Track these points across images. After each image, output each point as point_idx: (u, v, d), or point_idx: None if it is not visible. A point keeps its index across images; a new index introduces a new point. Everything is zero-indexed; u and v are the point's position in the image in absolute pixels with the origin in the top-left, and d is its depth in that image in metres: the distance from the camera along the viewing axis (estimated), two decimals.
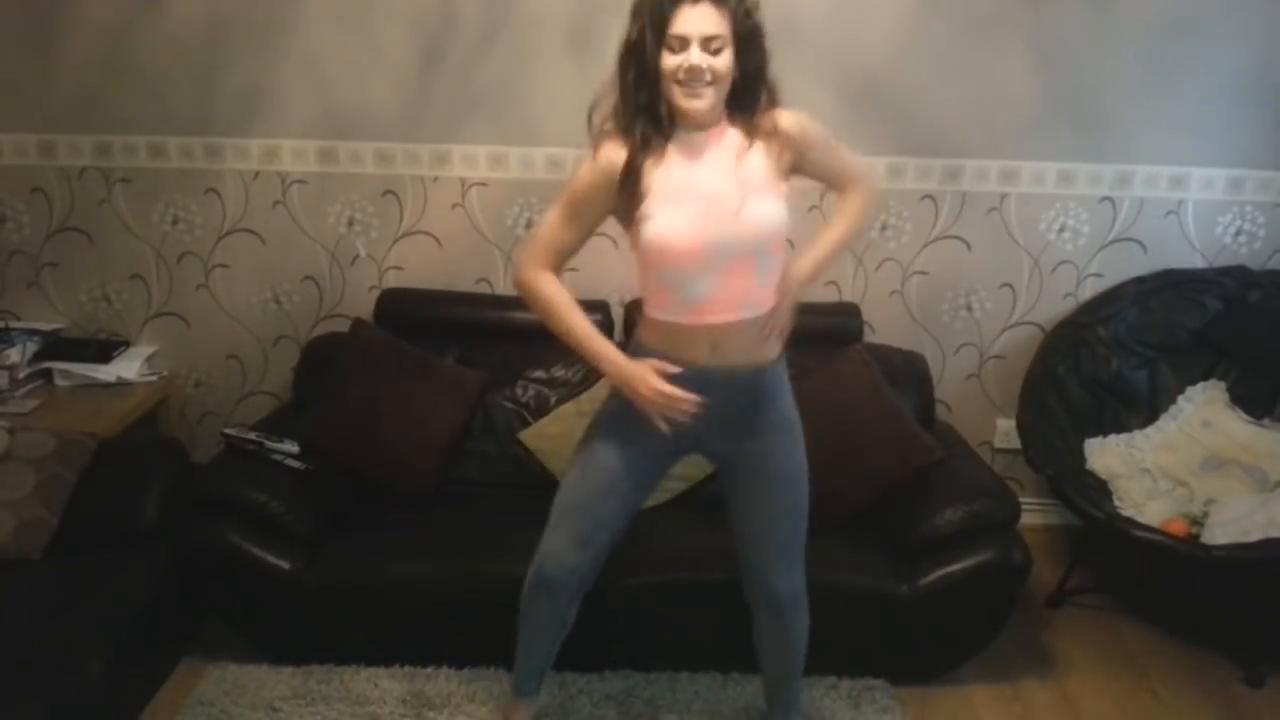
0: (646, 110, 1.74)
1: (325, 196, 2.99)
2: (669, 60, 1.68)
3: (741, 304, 1.81)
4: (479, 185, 2.97)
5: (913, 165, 2.94)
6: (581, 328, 1.88)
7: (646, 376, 1.80)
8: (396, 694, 2.35)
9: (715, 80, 1.69)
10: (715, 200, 1.74)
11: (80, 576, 2.27)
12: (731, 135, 1.79)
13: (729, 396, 1.85)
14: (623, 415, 1.90)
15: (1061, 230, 3.02)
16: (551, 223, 1.87)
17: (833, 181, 1.97)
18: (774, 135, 1.79)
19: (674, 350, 1.83)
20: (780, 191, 1.81)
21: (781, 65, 2.76)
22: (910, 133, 2.91)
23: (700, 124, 1.77)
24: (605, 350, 1.86)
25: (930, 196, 2.98)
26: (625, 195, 1.77)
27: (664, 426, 1.81)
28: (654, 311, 1.86)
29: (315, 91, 2.86)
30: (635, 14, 1.71)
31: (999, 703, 2.46)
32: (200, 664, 2.46)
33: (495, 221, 3.00)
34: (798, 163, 1.84)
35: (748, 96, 1.77)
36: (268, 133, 2.91)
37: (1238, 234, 3.02)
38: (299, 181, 2.97)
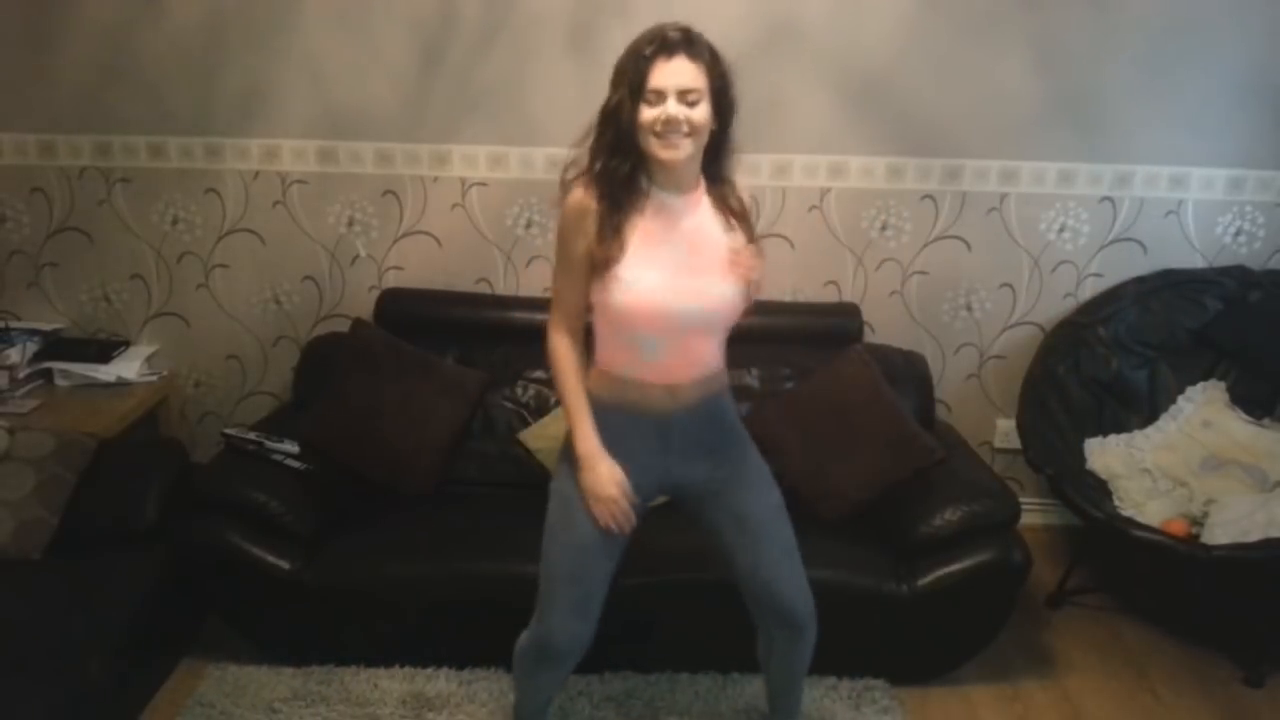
0: (625, 176, 1.74)
1: (325, 196, 2.99)
2: (646, 113, 1.69)
3: (695, 365, 1.85)
4: (479, 185, 2.97)
5: (913, 165, 2.94)
6: (572, 397, 1.87)
7: (615, 477, 1.82)
8: (396, 694, 2.35)
9: (692, 132, 1.70)
10: (683, 274, 1.76)
11: (80, 576, 2.27)
12: (706, 207, 1.82)
13: (692, 427, 1.88)
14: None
15: (1061, 230, 3.02)
16: (557, 285, 1.88)
17: None
18: (738, 214, 1.84)
19: (626, 399, 1.84)
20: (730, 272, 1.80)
21: (782, 65, 2.80)
22: (910, 133, 2.91)
23: (678, 184, 1.78)
24: (585, 429, 1.85)
25: (930, 196, 2.98)
26: (601, 247, 1.75)
27: (601, 521, 1.83)
28: (608, 366, 1.86)
29: (315, 91, 2.86)
30: (615, 81, 1.72)
31: (999, 703, 2.46)
32: (200, 664, 2.46)
33: (495, 221, 3.00)
34: (749, 240, 1.86)
35: (723, 154, 1.81)
36: (268, 133, 2.91)
37: (1238, 234, 3.02)
38: (299, 181, 2.97)
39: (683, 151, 1.71)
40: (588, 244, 1.76)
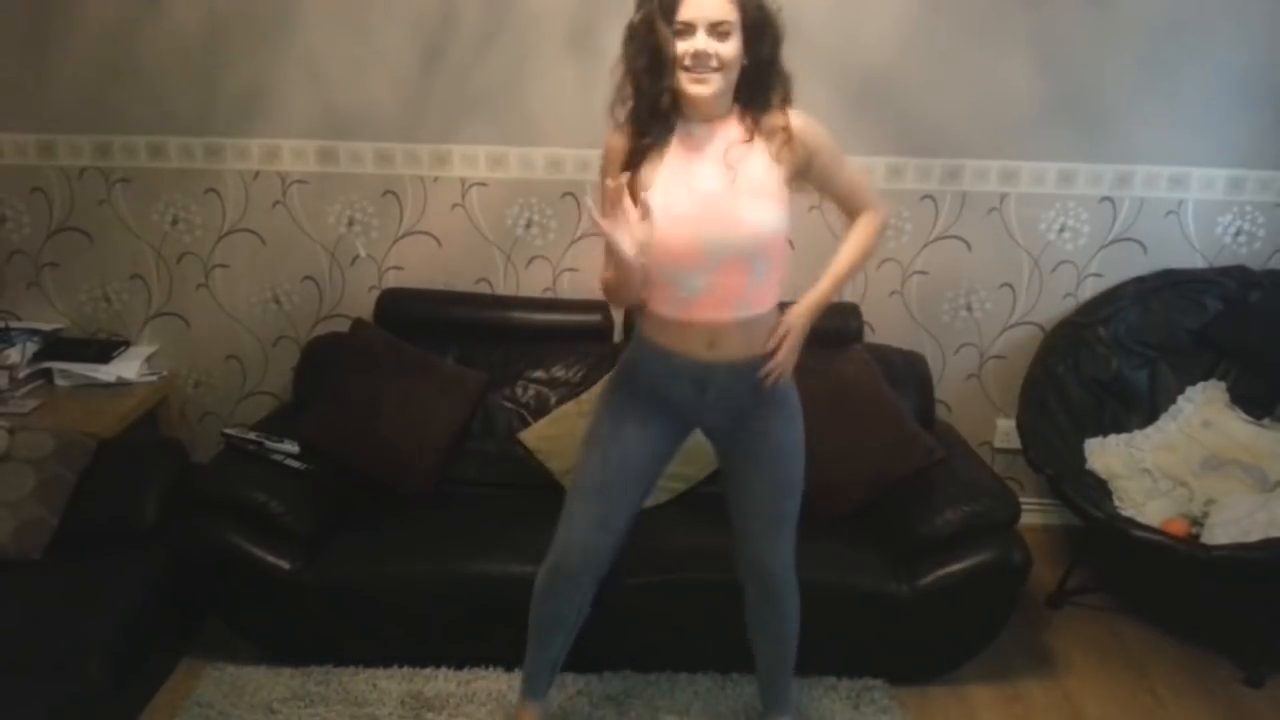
0: (650, 98, 1.73)
1: (325, 196, 2.99)
2: (676, 46, 1.67)
3: (735, 304, 1.81)
4: (479, 185, 2.97)
5: (913, 165, 2.94)
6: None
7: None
8: (395, 695, 2.35)
9: (722, 66, 1.68)
10: (712, 200, 1.74)
11: (80, 576, 2.27)
12: (734, 132, 1.78)
13: (729, 385, 1.87)
14: (630, 397, 1.93)
15: (1061, 230, 3.02)
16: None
17: (841, 201, 1.96)
18: (779, 136, 1.77)
19: (673, 344, 1.85)
20: (779, 196, 1.79)
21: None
22: (910, 133, 2.91)
23: (706, 114, 1.76)
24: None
25: (930, 196, 2.98)
26: (632, 177, 1.77)
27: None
28: (653, 305, 1.87)
29: (315, 91, 2.86)
30: (642, 4, 1.71)
31: (999, 703, 2.46)
32: (200, 664, 2.46)
33: (495, 221, 3.00)
34: (803, 169, 1.82)
35: (758, 88, 1.76)
36: (268, 133, 2.91)
37: (1238, 234, 3.02)
38: (299, 181, 2.97)
39: (711, 87, 1.70)
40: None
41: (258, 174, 2.96)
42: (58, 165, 2.96)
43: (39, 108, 2.89)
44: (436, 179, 2.96)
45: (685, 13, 1.66)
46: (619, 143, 1.80)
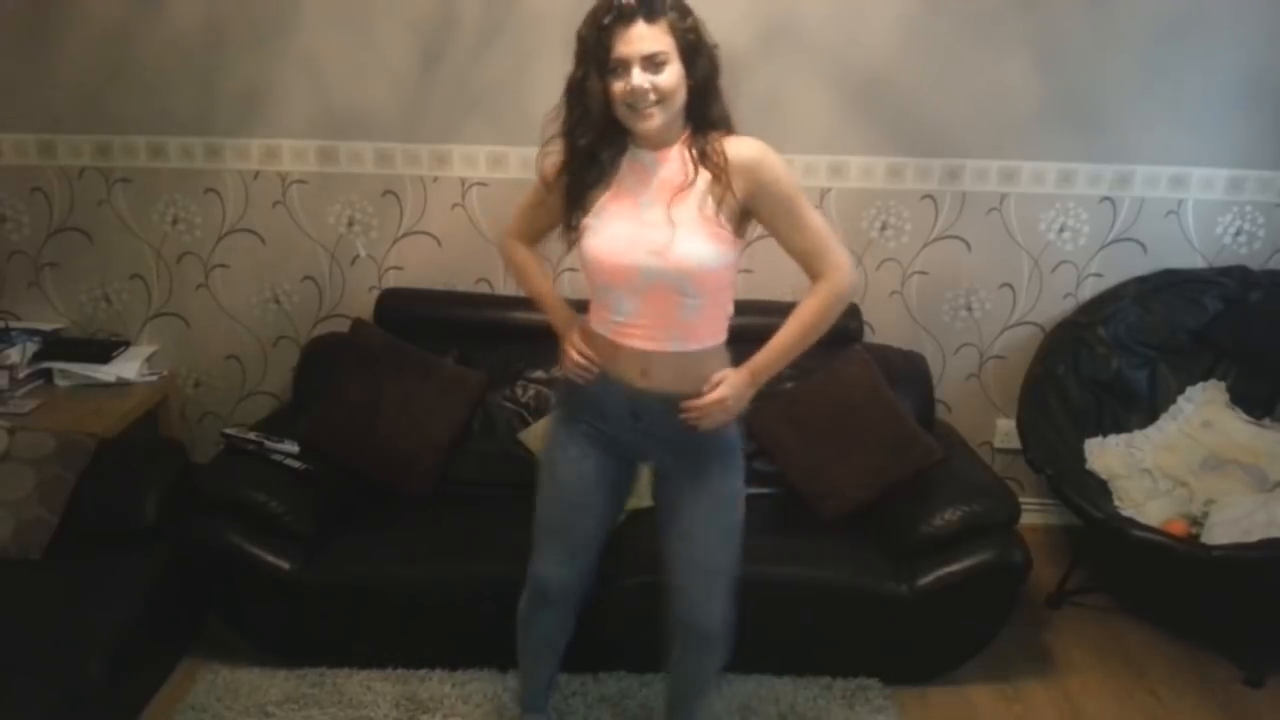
0: (592, 150, 1.74)
1: (325, 196, 2.99)
2: (615, 86, 1.66)
3: (667, 334, 1.77)
4: (479, 185, 2.97)
5: (913, 165, 2.94)
6: (535, 282, 2.02)
7: (571, 336, 1.90)
8: (390, 696, 2.35)
9: (662, 98, 1.65)
10: (647, 228, 1.72)
11: (80, 576, 2.27)
12: (680, 159, 1.73)
13: (662, 416, 1.82)
14: (571, 432, 1.92)
15: (1061, 230, 3.02)
16: (520, 207, 2.00)
17: (797, 258, 1.79)
18: (722, 169, 1.69)
19: (608, 366, 1.84)
20: (715, 230, 1.71)
21: (781, 65, 2.80)
22: (910, 133, 2.91)
23: (654, 143, 1.73)
24: (549, 302, 2.01)
25: (930, 196, 2.98)
26: (568, 212, 1.80)
27: (575, 377, 1.88)
28: (591, 322, 1.88)
29: (315, 91, 2.86)
30: (578, 53, 1.71)
31: (999, 703, 2.46)
32: (200, 664, 2.46)
33: (495, 221, 3.00)
34: (751, 204, 1.72)
35: (701, 112, 1.72)
36: (268, 133, 2.91)
37: (1238, 234, 3.02)
38: (299, 181, 2.97)
39: (656, 120, 1.67)
40: (556, 205, 1.83)
41: (258, 174, 2.96)
42: (58, 165, 2.96)
43: (39, 108, 2.89)
44: (436, 179, 2.96)
45: (618, 51, 1.64)
46: (554, 177, 1.82)
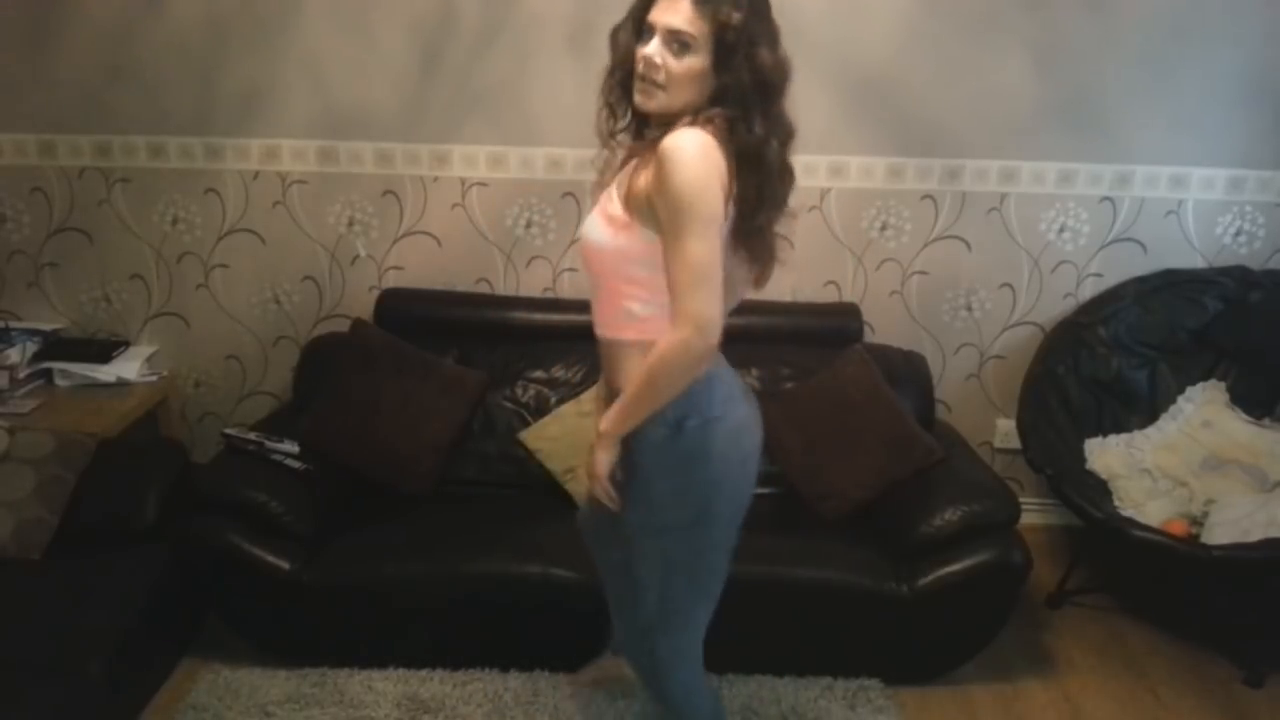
0: (616, 99, 1.62)
1: (325, 196, 2.99)
2: (637, 48, 1.54)
3: (597, 319, 1.69)
4: (479, 185, 2.97)
5: (913, 165, 2.94)
6: None
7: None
8: (391, 697, 2.35)
9: (668, 82, 1.50)
10: (594, 210, 1.66)
11: (80, 576, 2.27)
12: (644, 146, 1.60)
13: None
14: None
15: (1061, 230, 3.02)
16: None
17: (667, 283, 1.55)
18: (650, 156, 1.53)
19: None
20: (616, 216, 1.57)
21: None
22: (910, 133, 2.91)
23: (656, 123, 1.58)
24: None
25: (930, 196, 2.98)
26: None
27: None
28: None
29: (315, 91, 2.86)
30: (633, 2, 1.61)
31: (999, 703, 2.46)
32: (198, 665, 2.46)
33: (495, 221, 3.00)
34: (653, 199, 1.51)
35: (722, 104, 1.54)
36: (268, 133, 2.91)
37: (1238, 234, 3.02)
38: (299, 181, 2.97)
39: (654, 101, 1.53)
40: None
41: (258, 174, 2.96)
42: (58, 165, 2.96)
43: (39, 108, 2.89)
44: (436, 179, 2.96)
45: (653, 13, 1.51)
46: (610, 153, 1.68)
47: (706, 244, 1.48)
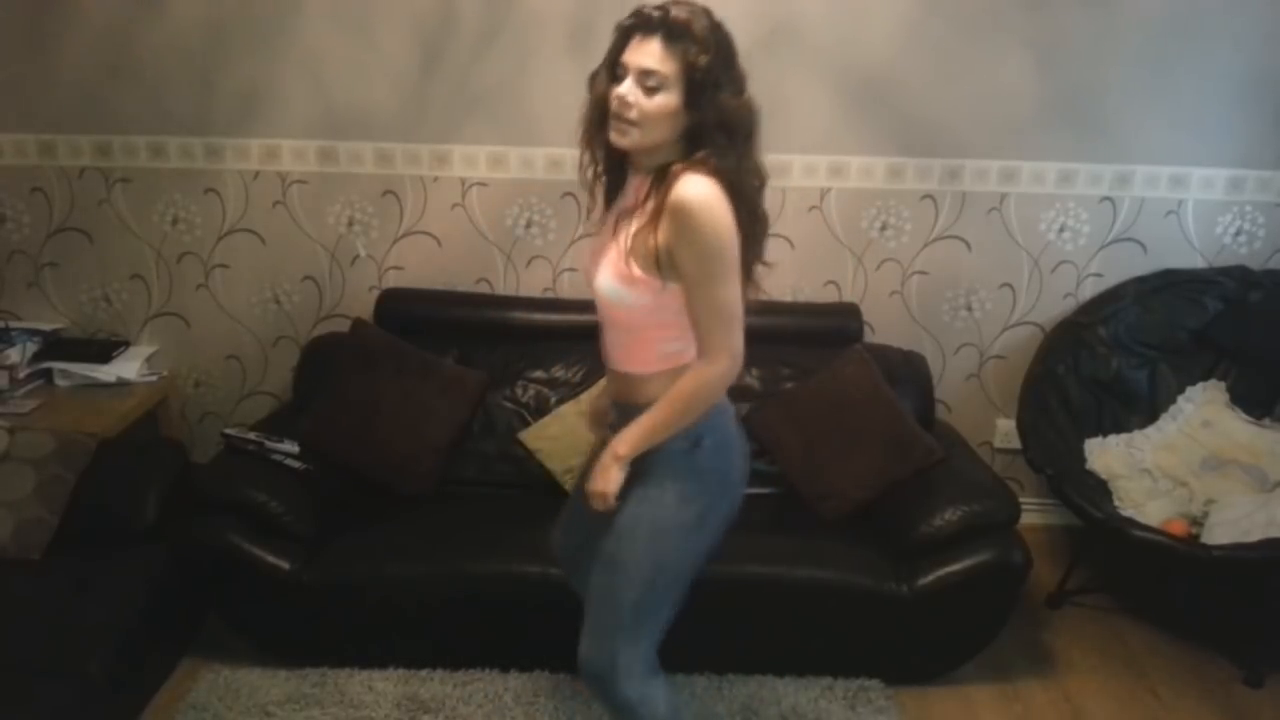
0: (583, 141, 1.70)
1: (325, 196, 2.99)
2: (612, 89, 1.60)
3: (612, 356, 1.79)
4: (479, 185, 2.97)
5: (913, 165, 2.94)
6: None
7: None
8: (391, 697, 2.35)
9: (641, 119, 1.56)
10: (599, 255, 1.72)
11: (80, 576, 2.27)
12: (637, 188, 1.67)
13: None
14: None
15: (1061, 230, 3.02)
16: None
17: (691, 322, 1.64)
18: (660, 207, 1.58)
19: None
20: (630, 272, 1.61)
21: (781, 65, 2.80)
22: (910, 133, 2.91)
23: (638, 167, 1.67)
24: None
25: (930, 196, 2.98)
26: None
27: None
28: None
29: (315, 91, 2.86)
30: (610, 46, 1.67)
31: (999, 703, 2.46)
32: (201, 664, 2.46)
33: (495, 221, 3.00)
34: (671, 251, 1.58)
35: (701, 144, 1.59)
36: (268, 133, 2.91)
37: (1238, 234, 3.02)
38: (299, 181, 2.97)
39: (627, 139, 1.59)
40: None
41: (258, 174, 2.96)
42: (58, 165, 2.96)
43: (39, 108, 2.89)
44: (436, 179, 2.96)
45: (625, 55, 1.59)
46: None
47: (734, 286, 1.61)
